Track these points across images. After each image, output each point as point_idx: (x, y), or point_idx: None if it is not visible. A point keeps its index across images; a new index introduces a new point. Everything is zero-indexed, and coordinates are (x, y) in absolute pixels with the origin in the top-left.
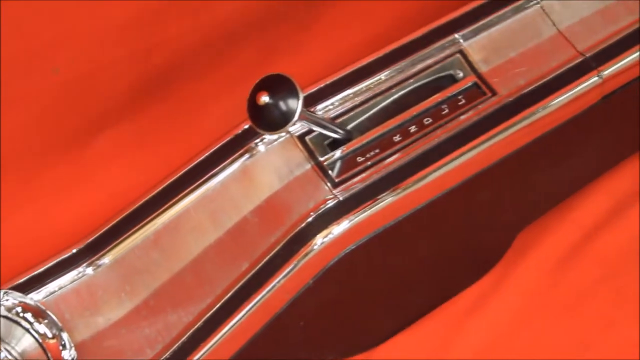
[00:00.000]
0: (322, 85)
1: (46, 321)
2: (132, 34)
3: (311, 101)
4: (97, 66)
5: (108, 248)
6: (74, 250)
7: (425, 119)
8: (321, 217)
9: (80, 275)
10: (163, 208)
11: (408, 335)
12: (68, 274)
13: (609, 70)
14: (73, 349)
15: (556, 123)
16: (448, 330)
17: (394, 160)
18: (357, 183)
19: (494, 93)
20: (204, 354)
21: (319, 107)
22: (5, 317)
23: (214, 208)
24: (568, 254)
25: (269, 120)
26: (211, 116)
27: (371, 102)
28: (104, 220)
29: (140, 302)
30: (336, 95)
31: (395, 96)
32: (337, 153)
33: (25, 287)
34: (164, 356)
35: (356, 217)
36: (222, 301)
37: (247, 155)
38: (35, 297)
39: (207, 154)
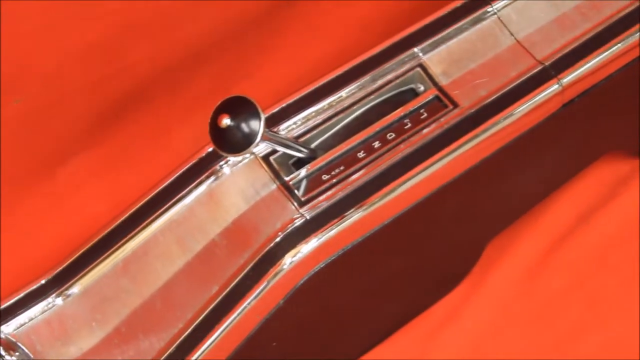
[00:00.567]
0: (284, 105)
1: (17, 354)
2: (95, 60)
3: (274, 121)
4: (61, 94)
5: (77, 277)
6: (43, 281)
7: (389, 134)
8: (289, 237)
9: (50, 305)
10: (130, 235)
11: (382, 350)
12: (38, 305)
13: (568, 77)
14: None
15: (519, 132)
16: (422, 344)
17: (359, 177)
18: (323, 201)
19: (455, 105)
20: None
21: (282, 126)
22: None
23: (181, 232)
24: (538, 263)
25: (231, 142)
26: (176, 139)
27: (334, 120)
28: (73, 248)
29: (112, 330)
30: (298, 114)
31: (358, 112)
32: (302, 172)
33: None
34: None
35: (324, 235)
36: (193, 325)
37: (212, 178)
38: (6, 329)
39: (172, 179)
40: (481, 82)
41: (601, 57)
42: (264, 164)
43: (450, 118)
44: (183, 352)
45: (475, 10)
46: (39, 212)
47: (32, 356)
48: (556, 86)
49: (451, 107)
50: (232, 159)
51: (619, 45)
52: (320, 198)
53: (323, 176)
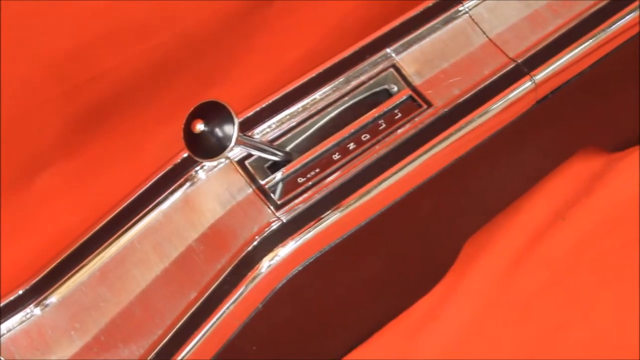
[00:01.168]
0: (258, 109)
1: None
2: (68, 70)
3: (248, 125)
4: (34, 105)
5: (54, 287)
6: (21, 292)
7: (363, 135)
8: (266, 240)
9: (28, 316)
10: (107, 243)
11: (363, 351)
12: (16, 315)
13: (541, 74)
14: None
15: (493, 130)
16: (403, 343)
17: (334, 179)
18: (299, 204)
19: (429, 105)
20: None
21: (257, 130)
22: None
23: (158, 239)
24: (516, 259)
25: (206, 147)
26: (151, 146)
27: (309, 122)
28: (50, 258)
29: (91, 338)
30: (273, 117)
31: (332, 114)
32: (278, 175)
33: None
34: None
35: (301, 237)
36: (172, 332)
37: (188, 184)
38: None
39: (148, 186)
40: (454, 81)
41: (573, 53)
42: (239, 169)
43: (424, 118)
44: (163, 358)
45: (447, 9)
46: (14, 223)
47: None
48: (529, 83)
49: (425, 106)
50: (207, 164)
51: (591, 41)
52: (297, 201)
53: (299, 179)
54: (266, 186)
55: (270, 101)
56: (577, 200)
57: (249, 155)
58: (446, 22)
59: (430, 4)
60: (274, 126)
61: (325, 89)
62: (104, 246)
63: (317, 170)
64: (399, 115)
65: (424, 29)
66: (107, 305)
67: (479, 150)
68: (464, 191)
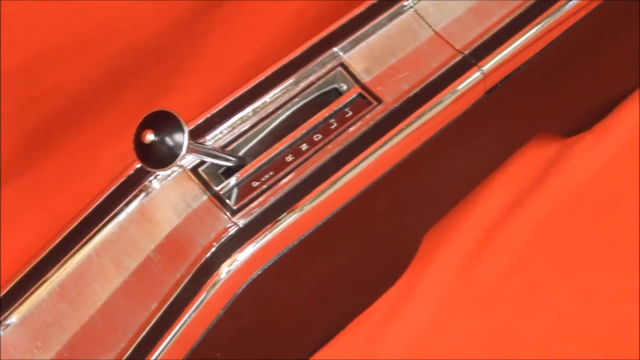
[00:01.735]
0: (208, 115)
1: None
2: (18, 86)
3: (199, 132)
4: None
5: (14, 306)
6: None
7: (315, 136)
8: (224, 246)
9: None
10: (65, 258)
11: (328, 351)
12: None
13: (489, 64)
14: None
15: (445, 123)
16: (367, 341)
17: (289, 181)
18: (255, 208)
19: (379, 101)
20: None
21: (208, 137)
22: None
23: (116, 252)
24: (474, 250)
25: (157, 157)
26: (106, 159)
27: (260, 126)
28: (8, 278)
29: (54, 355)
30: (224, 123)
31: (284, 116)
32: (232, 180)
33: None
34: None
35: (258, 241)
36: (135, 344)
37: (142, 195)
38: None
39: (102, 198)
40: (403, 76)
41: (519, 42)
42: (193, 176)
43: (375, 114)
44: None
45: (392, 5)
46: None
47: None
48: (478, 74)
49: (375, 103)
50: (161, 173)
51: (536, 28)
52: (252, 205)
53: (253, 183)
54: (221, 192)
55: (220, 107)
56: (533, 187)
57: (202, 163)
58: (392, 17)
59: (376, 1)
60: (225, 132)
61: (275, 91)
62: (62, 262)
63: (271, 173)
64: (350, 113)
65: (370, 25)
66: (69, 321)
67: (432, 143)
68: (419, 185)
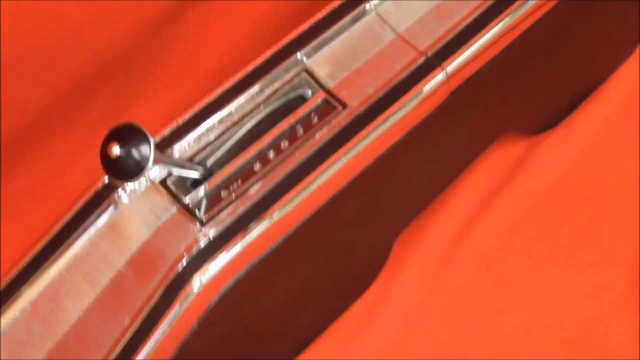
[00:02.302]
0: (175, 126)
1: None
2: None
3: (166, 143)
4: None
5: None
6: None
7: (282, 143)
8: (195, 258)
9: None
10: (35, 276)
11: (305, 358)
12: None
13: (452, 65)
14: None
15: (411, 125)
16: (344, 345)
17: (258, 189)
18: (225, 217)
19: (344, 106)
20: None
21: (175, 148)
22: None
23: (87, 268)
24: (447, 252)
25: (123, 170)
26: (75, 173)
27: (226, 135)
28: None
29: None
30: (190, 133)
31: (250, 125)
32: (201, 191)
33: None
34: None
35: (230, 251)
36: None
37: (111, 209)
38: None
39: (71, 214)
40: (367, 80)
41: (482, 41)
42: (161, 188)
43: (341, 119)
44: None
45: (353, 8)
46: None
47: None
48: (441, 75)
49: (340, 108)
50: (129, 187)
51: (498, 27)
52: (222, 215)
53: (222, 193)
54: (190, 203)
55: (186, 117)
56: (502, 186)
57: (170, 174)
58: (354, 21)
59: (337, 5)
60: (192, 142)
61: (240, 99)
62: (32, 280)
63: (240, 182)
64: (316, 119)
65: (333, 30)
66: (42, 339)
67: (399, 146)
68: (388, 189)
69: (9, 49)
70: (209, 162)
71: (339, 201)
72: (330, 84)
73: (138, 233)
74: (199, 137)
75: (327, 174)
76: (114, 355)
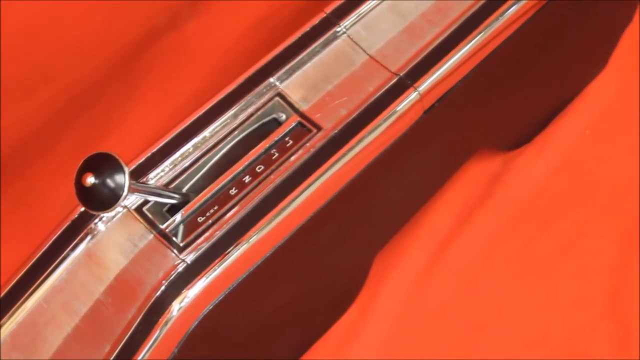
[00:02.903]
0: (149, 154)
1: None
2: None
3: (142, 171)
4: None
5: None
6: None
7: (258, 167)
8: (173, 284)
9: None
10: (15, 307)
11: None
12: None
13: (425, 84)
14: None
15: (386, 145)
16: None
17: (234, 214)
18: (202, 243)
19: (319, 129)
20: None
21: (151, 175)
22: None
23: (65, 297)
24: (426, 268)
25: (99, 200)
26: (51, 204)
27: (202, 161)
28: None
29: None
30: (165, 160)
31: (225, 150)
32: (178, 217)
33: None
34: None
35: (208, 276)
36: None
37: (88, 238)
38: None
39: (48, 244)
40: (341, 102)
41: (453, 59)
42: (138, 216)
43: (315, 142)
44: None
45: (324, 32)
46: None
47: None
48: (414, 94)
49: (315, 131)
50: (105, 215)
51: (469, 46)
52: (199, 240)
53: (199, 218)
54: (167, 230)
55: (161, 144)
56: (479, 203)
57: (146, 202)
58: (325, 44)
59: (308, 29)
60: (167, 169)
61: (215, 125)
62: (11, 311)
63: (216, 207)
64: (290, 142)
65: (305, 54)
66: None
67: (375, 166)
68: (366, 208)
69: None
70: (185, 188)
71: (317, 222)
72: (304, 107)
73: (116, 261)
74: (175, 164)
75: (303, 197)
76: None
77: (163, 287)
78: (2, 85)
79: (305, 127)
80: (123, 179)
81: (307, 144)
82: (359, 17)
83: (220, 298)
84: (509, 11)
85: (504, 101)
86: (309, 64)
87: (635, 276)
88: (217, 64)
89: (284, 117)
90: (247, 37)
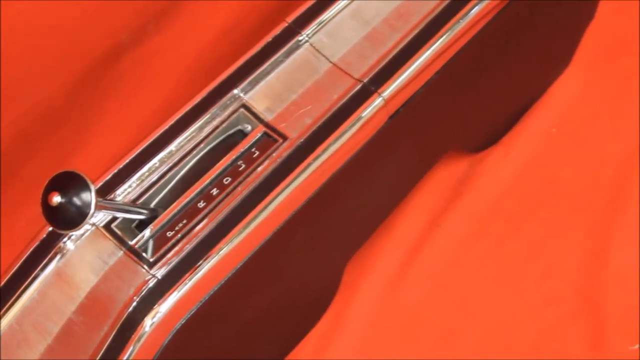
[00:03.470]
0: (116, 170)
1: None
2: None
3: (109, 188)
4: None
5: None
6: None
7: (225, 179)
8: (145, 300)
9: None
10: None
11: None
12: None
13: (389, 90)
14: None
15: (352, 152)
16: None
17: (203, 227)
18: (172, 257)
19: (285, 138)
20: None
21: (118, 192)
22: None
23: (36, 318)
24: (398, 274)
25: (66, 218)
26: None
27: (169, 175)
28: None
29: None
30: (132, 176)
31: (192, 163)
32: (147, 233)
33: None
34: None
35: (179, 290)
36: None
37: (57, 257)
38: None
39: (17, 266)
40: (306, 111)
41: (416, 64)
42: (106, 233)
43: (281, 152)
44: None
45: (286, 41)
46: None
47: None
48: (379, 100)
49: (281, 140)
50: (74, 234)
51: (431, 50)
52: (169, 255)
53: (168, 233)
54: (136, 246)
55: (127, 160)
56: (448, 205)
57: (115, 218)
58: (288, 54)
59: (270, 39)
60: (134, 185)
61: (180, 139)
62: None
63: (185, 221)
64: (257, 153)
65: (268, 64)
66: None
67: (343, 173)
68: (335, 216)
69: None
70: (153, 203)
71: (287, 232)
72: (269, 118)
73: (86, 279)
74: (142, 179)
75: (271, 207)
76: None
77: (135, 303)
78: None
79: (271, 137)
80: (89, 196)
81: (274, 154)
82: (321, 25)
83: (193, 311)
84: (470, 13)
85: (469, 103)
86: (272, 74)
87: (604, 273)
88: (181, 77)
89: (249, 128)
90: (211, 50)
